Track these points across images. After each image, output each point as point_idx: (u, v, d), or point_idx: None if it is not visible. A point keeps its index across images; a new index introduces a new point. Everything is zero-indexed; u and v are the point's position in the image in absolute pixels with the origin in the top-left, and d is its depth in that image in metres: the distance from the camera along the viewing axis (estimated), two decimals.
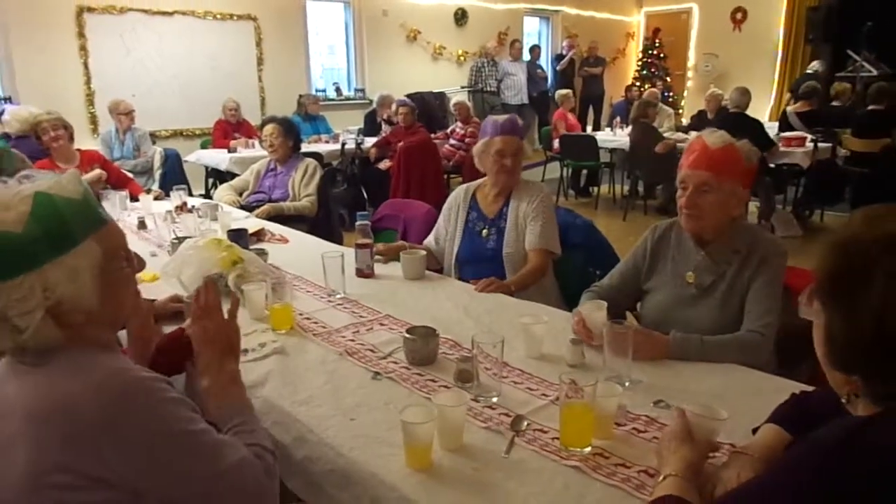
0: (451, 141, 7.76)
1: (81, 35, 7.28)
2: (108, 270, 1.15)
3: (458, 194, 2.88)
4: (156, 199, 4.19)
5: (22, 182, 1.10)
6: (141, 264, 1.28)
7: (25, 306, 1.05)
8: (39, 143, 4.16)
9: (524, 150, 2.77)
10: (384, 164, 7.02)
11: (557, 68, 11.88)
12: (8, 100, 6.68)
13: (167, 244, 2.98)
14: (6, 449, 1.07)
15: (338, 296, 2.33)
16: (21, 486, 1.04)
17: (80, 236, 1.10)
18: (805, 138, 6.62)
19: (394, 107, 7.36)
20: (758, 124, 6.51)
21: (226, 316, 1.50)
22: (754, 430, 1.30)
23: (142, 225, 3.47)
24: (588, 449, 1.33)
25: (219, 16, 8.20)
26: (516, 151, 2.69)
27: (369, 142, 7.39)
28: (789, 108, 7.86)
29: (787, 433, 1.23)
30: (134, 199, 4.09)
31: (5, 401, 1.10)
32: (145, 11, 7.63)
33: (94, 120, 7.48)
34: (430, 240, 2.92)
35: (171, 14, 7.82)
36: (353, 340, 1.94)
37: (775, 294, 1.88)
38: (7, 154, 1.76)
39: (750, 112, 6.72)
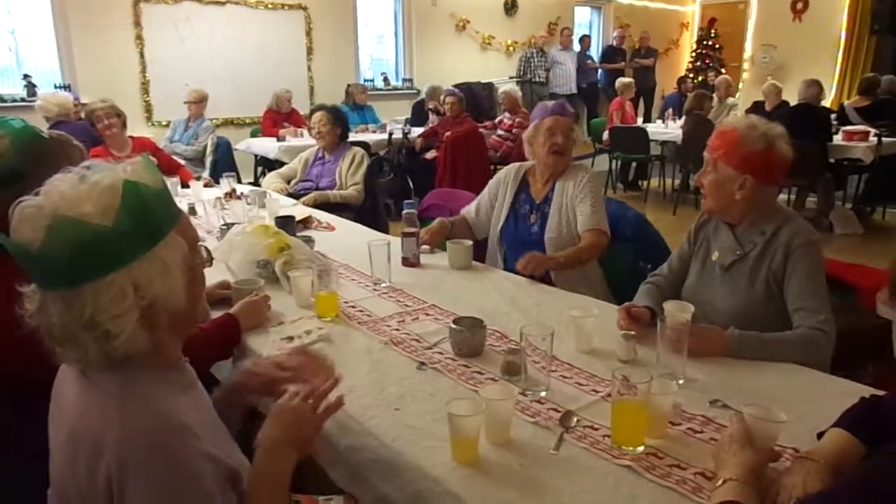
0: (499, 131, 7.68)
1: (138, 24, 7.42)
2: (193, 265, 1.08)
3: (510, 171, 2.81)
4: (205, 185, 4.23)
5: (88, 172, 1.00)
6: (210, 258, 1.20)
7: (118, 309, 0.95)
8: (94, 130, 4.24)
9: (576, 132, 2.71)
10: (431, 155, 7.00)
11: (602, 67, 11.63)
12: (67, 87, 6.86)
13: (216, 230, 3.02)
14: (56, 452, 1.06)
15: (383, 284, 2.31)
16: (59, 492, 1.03)
17: (166, 228, 1.02)
18: (868, 133, 6.36)
19: (442, 97, 7.32)
20: (824, 115, 6.27)
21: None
22: (819, 435, 1.22)
23: (192, 211, 3.51)
24: (641, 448, 1.28)
25: (270, 5, 8.27)
26: (566, 130, 2.63)
27: (416, 132, 7.37)
28: (846, 102, 7.58)
29: (857, 439, 1.15)
30: (184, 185, 4.15)
31: (63, 407, 1.07)
32: (199, 1, 7.73)
33: (148, 108, 7.63)
34: (469, 209, 2.86)
35: (223, 3, 7.91)
36: (398, 330, 1.92)
37: (821, 285, 1.83)
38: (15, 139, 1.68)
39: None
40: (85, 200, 0.95)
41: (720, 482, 1.07)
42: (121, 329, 0.96)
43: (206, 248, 1.17)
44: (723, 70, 12.16)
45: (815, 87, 6.34)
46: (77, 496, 0.98)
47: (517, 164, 2.86)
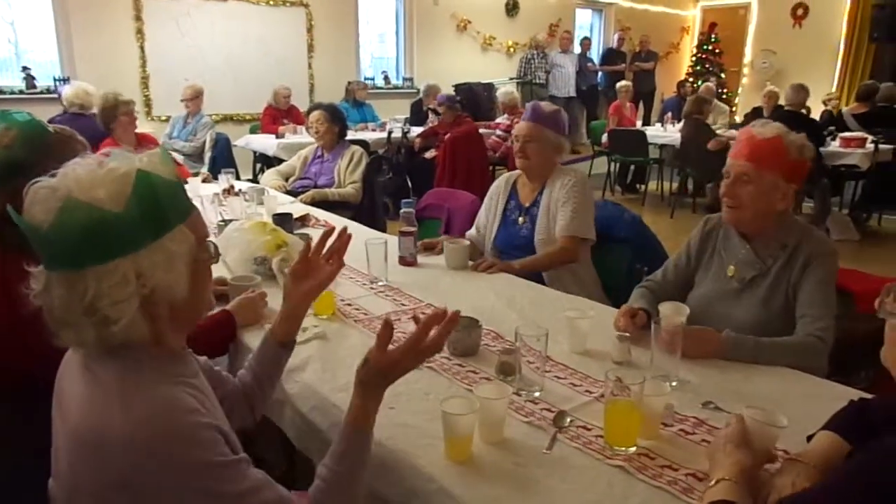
0: (498, 132, 7.69)
1: (139, 18, 7.42)
2: (198, 260, 1.08)
3: (500, 183, 2.89)
4: (204, 181, 4.24)
5: (106, 159, 1.01)
6: (217, 254, 1.18)
7: (119, 294, 0.96)
8: (107, 123, 4.26)
9: (548, 139, 2.67)
10: (430, 154, 7.00)
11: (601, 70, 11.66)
12: (66, 80, 6.85)
13: (213, 226, 3.01)
14: (59, 446, 1.05)
15: (380, 283, 2.32)
16: (64, 487, 1.03)
17: (175, 221, 1.03)
18: (865, 139, 6.38)
19: (436, 102, 7.32)
20: (813, 124, 6.30)
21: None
22: (809, 438, 1.24)
23: None
24: (633, 449, 1.29)
25: (271, 2, 8.27)
26: (529, 138, 2.65)
27: (415, 131, 7.38)
28: (845, 109, 7.62)
29: (844, 441, 1.16)
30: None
31: (66, 403, 1.06)
32: None
33: (148, 103, 7.62)
34: (471, 232, 2.91)
35: None
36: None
37: (829, 295, 1.81)
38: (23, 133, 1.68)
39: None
40: (98, 185, 0.96)
41: (713, 482, 1.08)
42: (119, 315, 0.97)
43: (214, 244, 1.16)
44: (722, 74, 12.21)
45: (802, 92, 6.40)
46: (85, 490, 0.97)
47: (508, 174, 2.93)
